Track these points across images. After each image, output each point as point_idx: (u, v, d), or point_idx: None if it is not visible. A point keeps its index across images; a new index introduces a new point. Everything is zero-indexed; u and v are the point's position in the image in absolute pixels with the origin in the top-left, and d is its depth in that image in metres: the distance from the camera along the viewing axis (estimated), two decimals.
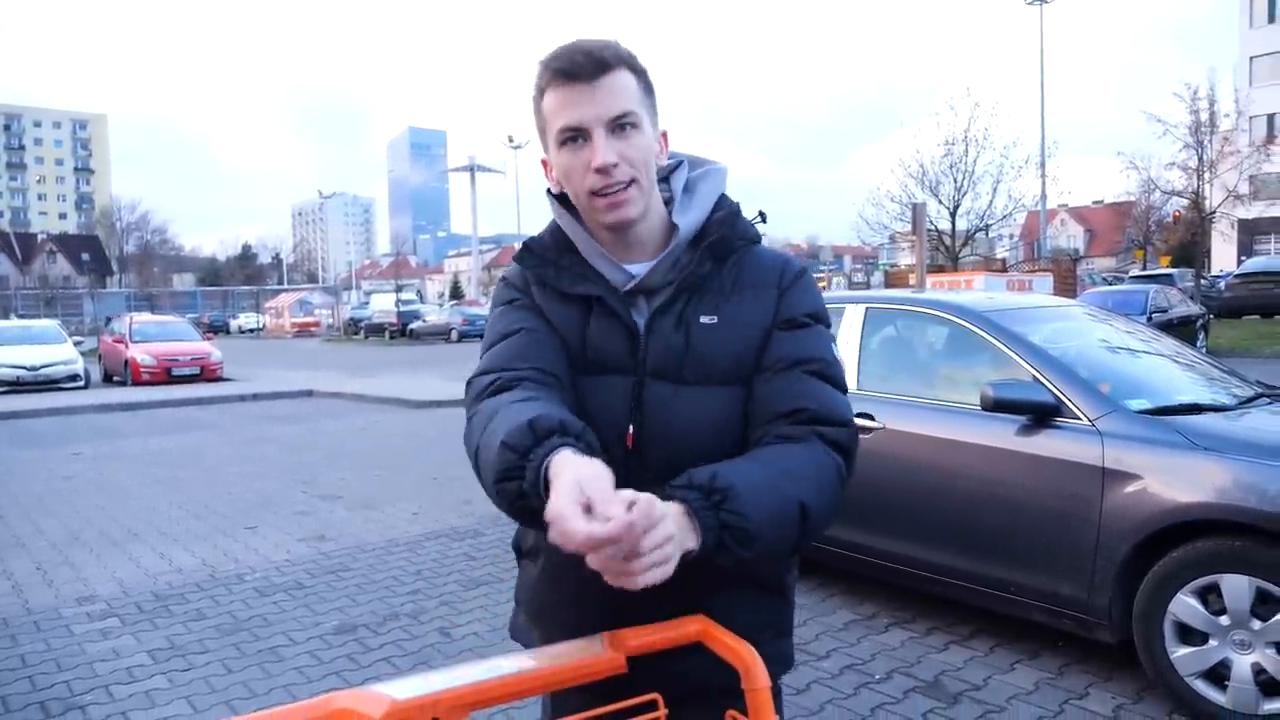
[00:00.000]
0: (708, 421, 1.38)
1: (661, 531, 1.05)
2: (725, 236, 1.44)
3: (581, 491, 1.03)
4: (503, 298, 1.51)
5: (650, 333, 1.39)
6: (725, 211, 1.46)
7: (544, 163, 1.46)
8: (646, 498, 1.04)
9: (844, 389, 1.42)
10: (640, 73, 1.38)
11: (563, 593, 1.43)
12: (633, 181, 1.35)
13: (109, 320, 26.42)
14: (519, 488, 1.15)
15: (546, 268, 1.46)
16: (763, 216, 1.58)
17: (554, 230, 1.50)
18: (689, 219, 1.44)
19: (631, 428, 1.38)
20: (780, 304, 1.43)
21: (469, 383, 1.41)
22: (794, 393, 1.36)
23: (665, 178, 1.49)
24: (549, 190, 1.49)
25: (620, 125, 1.34)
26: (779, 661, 1.44)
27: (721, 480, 1.17)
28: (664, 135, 1.44)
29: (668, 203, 1.48)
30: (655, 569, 1.05)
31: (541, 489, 1.11)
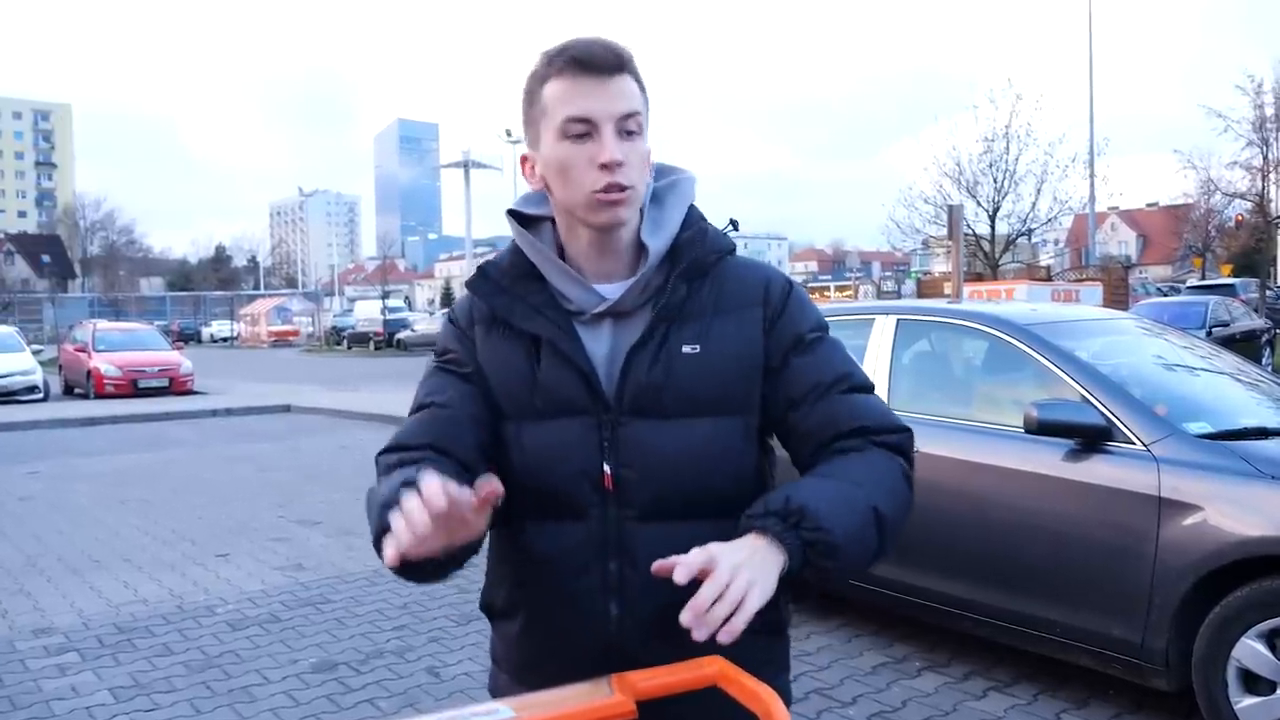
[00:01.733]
0: (695, 454, 1.43)
1: (722, 574, 1.18)
2: (697, 258, 1.47)
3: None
4: (438, 348, 1.57)
5: (628, 369, 1.42)
6: (694, 229, 1.49)
7: (524, 159, 1.49)
8: (705, 552, 1.20)
9: (873, 388, 1.51)
10: (643, 85, 1.44)
11: (552, 645, 1.48)
12: (629, 188, 1.40)
13: (71, 328, 26.52)
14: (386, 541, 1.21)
15: (499, 296, 1.50)
16: (734, 224, 1.62)
17: (514, 253, 1.52)
18: (658, 240, 1.47)
19: (608, 468, 1.42)
20: (777, 327, 1.47)
21: (376, 459, 1.50)
22: (840, 417, 1.44)
23: None
24: (509, 210, 1.54)
25: (627, 128, 1.39)
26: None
27: (795, 501, 1.28)
28: (648, 154, 1.48)
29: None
30: (738, 609, 1.18)
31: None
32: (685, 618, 1.18)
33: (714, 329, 1.44)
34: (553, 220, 1.51)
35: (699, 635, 1.18)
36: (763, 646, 1.48)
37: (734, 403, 1.45)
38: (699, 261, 1.47)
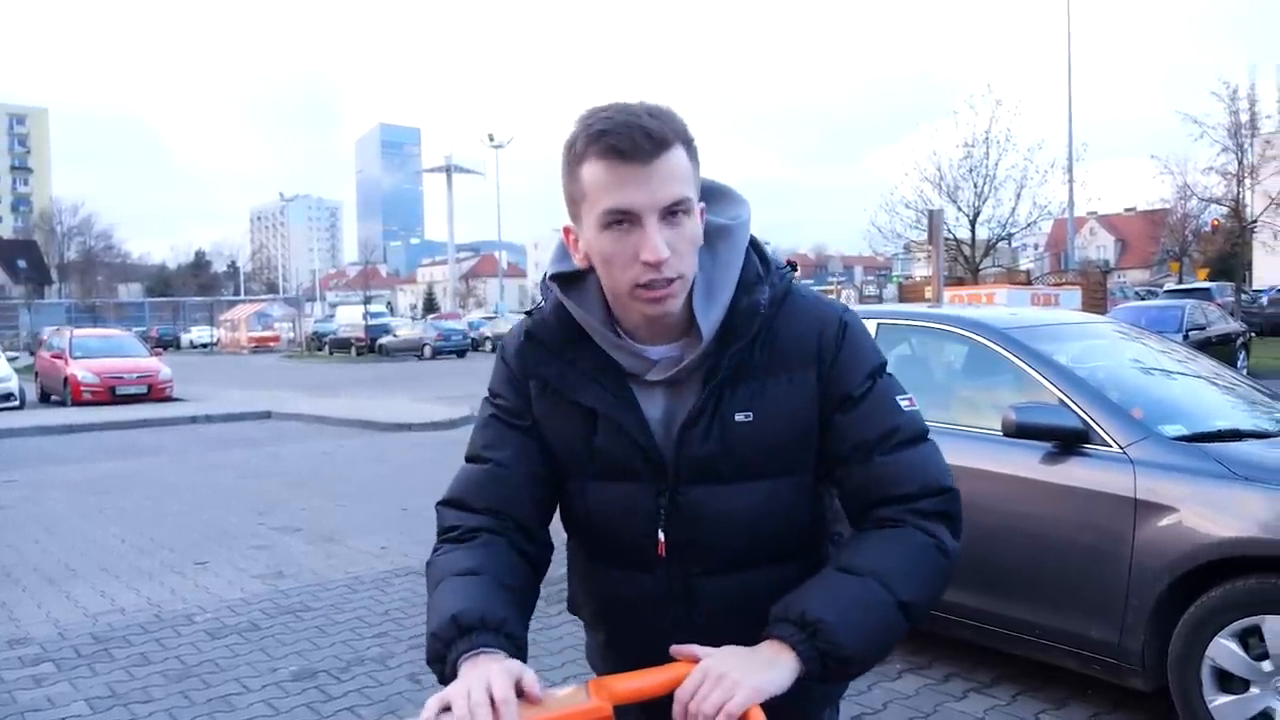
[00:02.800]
0: (750, 517, 1.46)
1: (710, 685, 1.24)
2: (756, 330, 1.42)
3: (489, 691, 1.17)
4: (492, 386, 1.54)
5: (682, 439, 1.43)
6: (752, 298, 1.42)
7: (567, 231, 1.44)
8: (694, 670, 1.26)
9: (925, 433, 1.47)
10: (690, 143, 1.36)
11: (624, 660, 1.50)
12: (680, 277, 1.34)
13: (37, 335, 26.28)
14: (441, 674, 1.29)
15: (551, 365, 1.48)
16: (792, 266, 1.52)
17: (558, 309, 1.47)
18: (710, 316, 1.40)
19: (662, 535, 1.46)
20: (829, 380, 1.43)
21: (438, 507, 1.53)
22: (886, 481, 1.42)
23: None
24: (546, 275, 1.48)
25: (673, 211, 1.32)
26: (833, 707, 1.64)
27: (812, 614, 1.30)
28: (701, 209, 1.40)
29: None
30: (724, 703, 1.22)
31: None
32: (676, 710, 1.24)
33: (767, 391, 1.42)
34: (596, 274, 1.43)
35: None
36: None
37: (790, 463, 1.45)
38: (754, 330, 1.42)
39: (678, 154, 1.32)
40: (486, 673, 1.19)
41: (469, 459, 1.54)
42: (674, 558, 1.47)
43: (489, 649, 1.26)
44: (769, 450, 1.43)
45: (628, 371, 1.44)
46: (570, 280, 1.46)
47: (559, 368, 1.47)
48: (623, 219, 1.31)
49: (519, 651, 1.29)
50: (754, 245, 1.48)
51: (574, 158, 1.34)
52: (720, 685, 1.23)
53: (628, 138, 1.28)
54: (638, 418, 1.44)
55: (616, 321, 1.44)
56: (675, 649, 1.32)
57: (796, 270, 1.52)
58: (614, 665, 1.57)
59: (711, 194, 1.48)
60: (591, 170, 1.31)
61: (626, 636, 1.58)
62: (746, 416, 1.41)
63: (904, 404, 1.46)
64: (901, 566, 1.36)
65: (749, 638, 1.33)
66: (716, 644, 1.33)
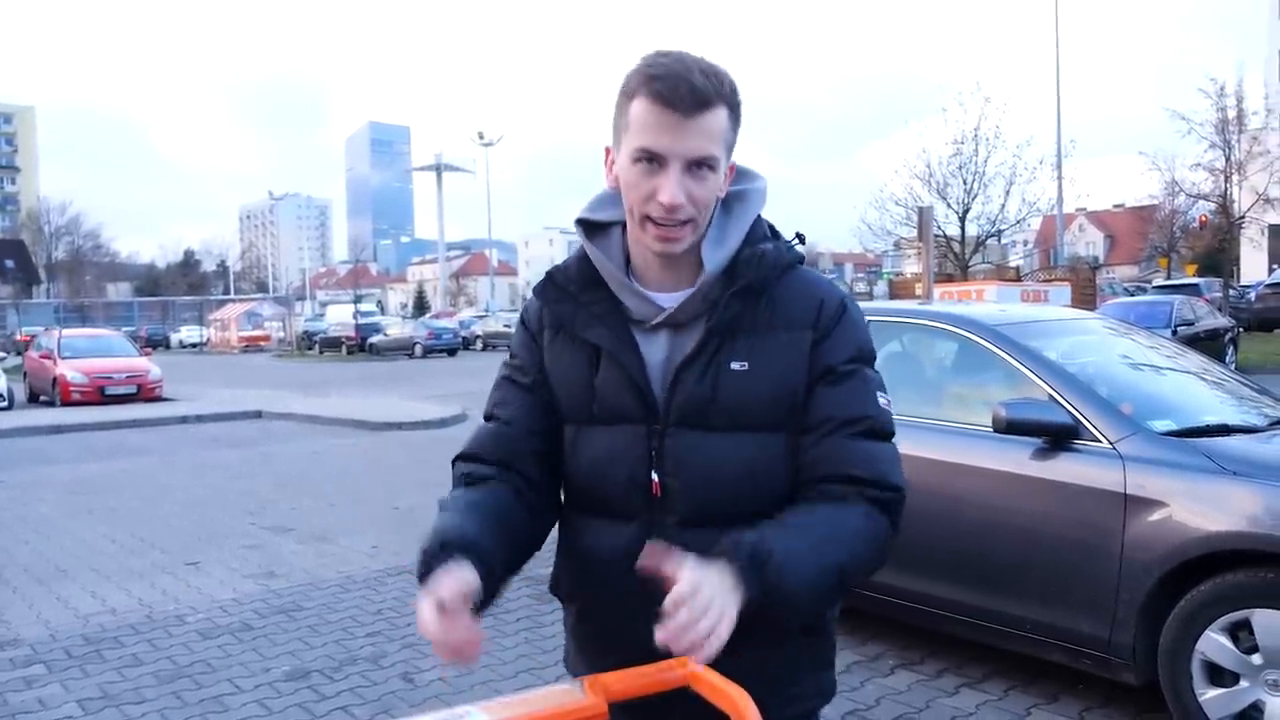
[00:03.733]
0: (737, 467, 1.48)
1: (701, 601, 1.23)
2: (756, 278, 1.49)
3: (438, 598, 1.29)
4: (510, 349, 1.66)
5: (676, 382, 1.48)
6: (755, 248, 1.50)
7: (607, 151, 1.52)
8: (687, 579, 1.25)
9: (891, 434, 1.52)
10: (735, 107, 1.45)
11: (603, 633, 1.59)
12: (690, 221, 1.43)
13: (14, 334, 26.13)
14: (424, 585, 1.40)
15: (565, 304, 1.57)
16: (800, 238, 1.60)
17: (581, 259, 1.58)
18: (716, 257, 1.49)
19: (655, 476, 1.49)
20: (818, 349, 1.48)
21: (454, 461, 1.64)
22: (841, 459, 1.46)
23: None
24: (577, 219, 1.58)
25: (698, 165, 1.41)
26: (817, 694, 1.60)
27: (764, 545, 1.32)
28: (731, 167, 1.51)
29: None
30: (711, 636, 1.23)
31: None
32: (660, 636, 1.23)
33: (765, 346, 1.48)
34: (623, 226, 1.54)
35: (677, 651, 1.24)
36: (806, 644, 1.57)
37: (778, 419, 1.48)
38: (757, 281, 1.48)
39: (718, 114, 1.41)
40: (436, 583, 1.31)
41: (485, 417, 1.66)
42: (657, 505, 1.49)
43: (459, 561, 1.35)
44: (759, 402, 1.46)
45: (635, 318, 1.52)
46: (597, 229, 1.57)
47: (571, 308, 1.56)
48: (651, 158, 1.41)
49: (489, 573, 1.39)
50: (768, 223, 1.58)
51: (628, 91, 1.44)
52: (709, 614, 1.24)
53: (674, 88, 1.38)
54: (637, 358, 1.50)
55: (633, 271, 1.54)
56: (650, 562, 1.29)
57: (804, 242, 1.60)
58: (583, 640, 1.63)
59: (736, 176, 1.57)
60: (638, 107, 1.41)
61: (597, 601, 1.58)
62: (742, 365, 1.46)
63: (881, 400, 1.51)
64: (846, 536, 1.41)
65: None
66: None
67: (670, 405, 1.48)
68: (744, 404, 1.46)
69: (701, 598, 1.24)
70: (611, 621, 1.55)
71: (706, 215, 1.46)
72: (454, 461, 1.65)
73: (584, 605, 1.62)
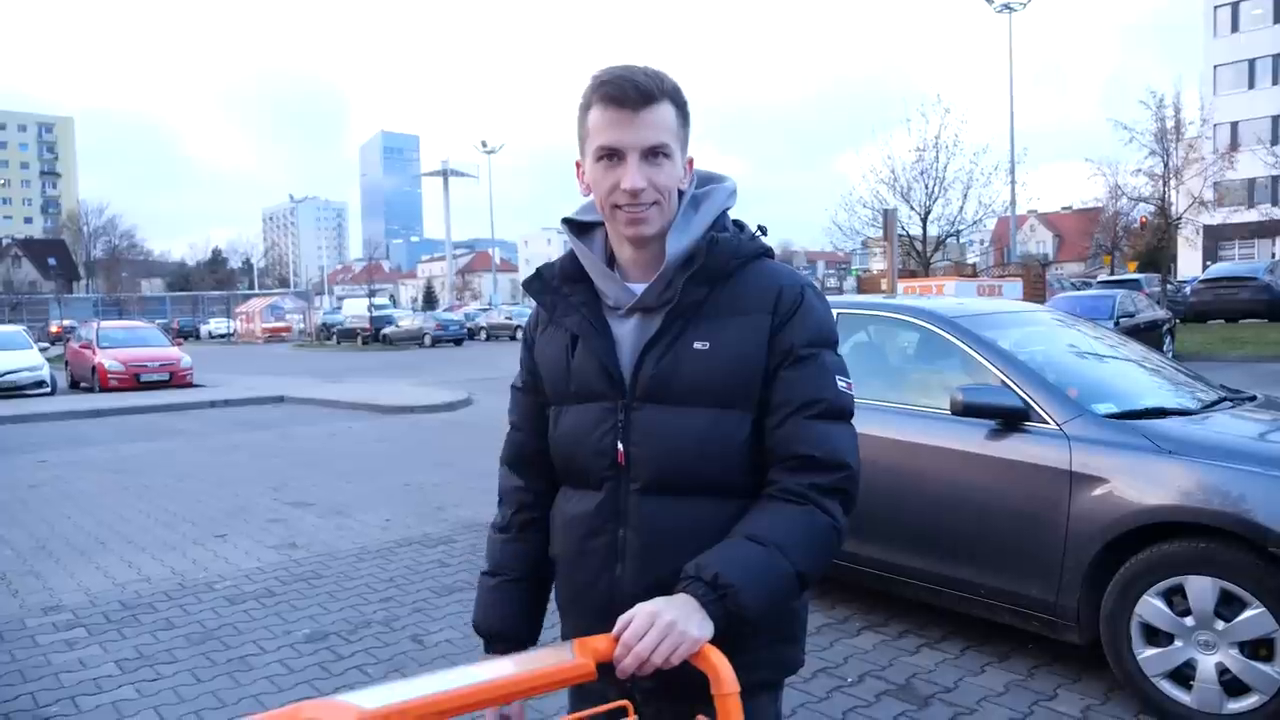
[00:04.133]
0: (694, 439, 1.47)
1: (653, 635, 1.28)
2: (711, 263, 1.49)
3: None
4: (521, 351, 1.72)
5: (642, 359, 1.49)
6: (713, 236, 1.51)
7: (577, 164, 1.56)
8: (633, 623, 1.30)
9: (849, 415, 1.51)
10: (681, 105, 1.49)
11: (574, 593, 1.61)
12: (655, 203, 1.47)
13: (64, 329, 26.01)
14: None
15: (548, 295, 1.61)
16: (762, 230, 1.61)
17: (568, 257, 1.61)
18: (678, 243, 1.50)
19: (620, 446, 1.51)
20: (779, 335, 1.47)
21: (500, 463, 1.76)
22: (797, 440, 1.46)
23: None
24: (564, 219, 1.62)
25: (654, 153, 1.45)
26: (776, 666, 1.56)
27: (724, 579, 1.34)
28: (690, 162, 1.54)
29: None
30: (652, 656, 1.28)
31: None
32: (618, 654, 1.28)
33: (727, 329, 1.48)
34: (605, 228, 1.58)
35: (625, 672, 1.29)
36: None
37: (735, 397, 1.47)
38: (713, 266, 1.49)
39: (664, 108, 1.45)
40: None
41: (510, 409, 1.75)
42: (623, 474, 1.51)
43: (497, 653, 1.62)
44: (717, 379, 1.46)
45: (611, 306, 1.55)
46: (584, 230, 1.60)
47: (554, 299, 1.60)
48: (611, 154, 1.45)
49: (521, 643, 1.65)
50: (733, 219, 1.59)
51: (584, 104, 1.48)
52: (669, 635, 1.27)
53: (621, 88, 1.43)
54: (607, 341, 1.53)
55: (615, 267, 1.57)
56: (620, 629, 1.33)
57: (767, 234, 1.63)
58: (562, 601, 1.66)
59: (705, 179, 1.60)
60: (594, 114, 1.46)
61: (570, 566, 1.60)
62: (704, 345, 1.47)
63: (841, 384, 1.50)
64: (801, 541, 1.41)
65: (669, 570, 1.40)
66: (642, 572, 1.46)
67: (636, 382, 1.50)
68: (703, 380, 1.47)
69: (642, 623, 1.28)
70: (580, 580, 1.58)
71: (670, 200, 1.49)
72: (501, 463, 1.76)
73: (561, 566, 1.64)
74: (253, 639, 4.63)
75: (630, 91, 1.42)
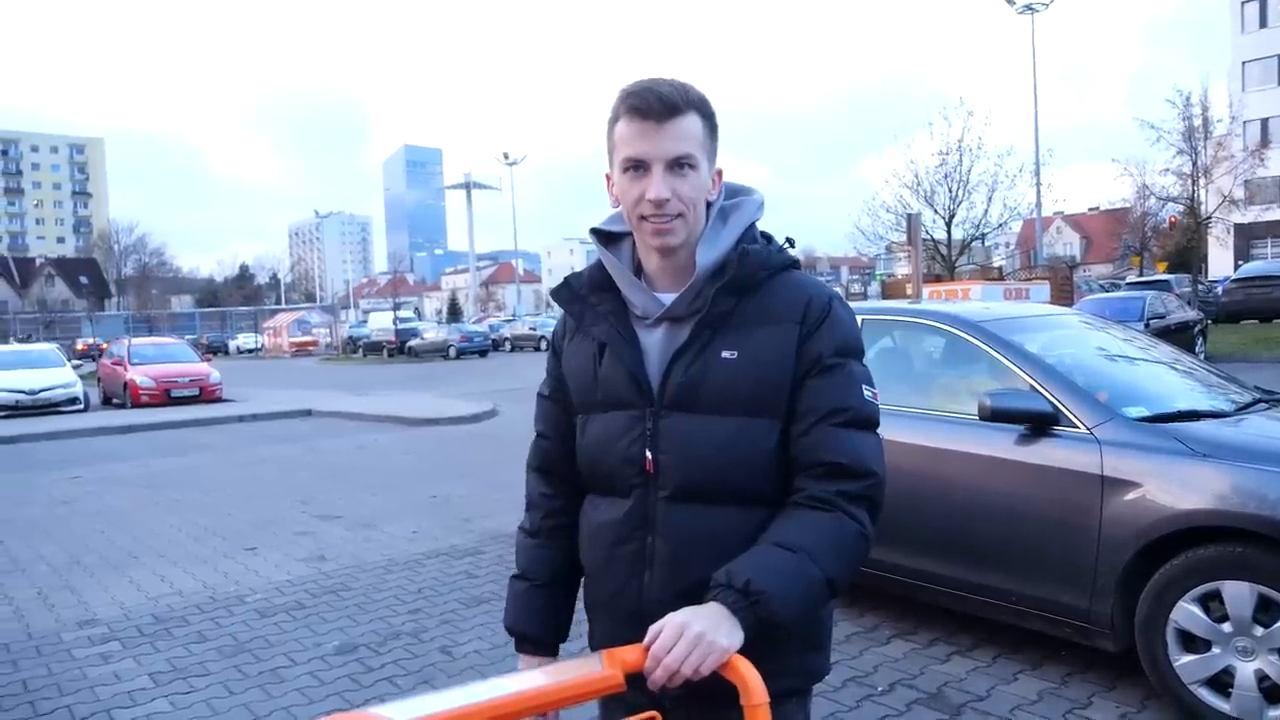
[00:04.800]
0: (720, 447, 1.48)
1: (682, 646, 1.28)
2: (741, 274, 1.50)
3: None
4: (548, 359, 1.74)
5: (671, 368, 1.50)
6: (744, 248, 1.52)
7: (607, 177, 1.57)
8: (663, 634, 1.30)
9: (875, 424, 1.52)
10: (708, 116, 1.50)
11: (602, 600, 1.62)
12: (680, 215, 1.47)
13: (89, 346, 26.36)
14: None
15: (576, 304, 1.63)
16: (790, 243, 1.63)
17: (596, 267, 1.62)
18: (709, 255, 1.52)
19: (649, 454, 1.50)
20: (805, 344, 1.48)
21: (527, 468, 1.78)
22: (824, 448, 1.46)
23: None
24: (592, 229, 1.63)
25: (679, 164, 1.45)
26: (802, 674, 1.56)
27: (756, 585, 1.35)
28: (719, 173, 1.55)
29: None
30: (682, 668, 1.28)
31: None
32: (648, 667, 1.29)
33: (754, 338, 1.49)
34: (634, 239, 1.58)
35: (655, 684, 1.30)
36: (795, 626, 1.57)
37: (763, 405, 1.48)
38: (742, 277, 1.50)
39: (690, 119, 1.46)
40: None
41: (536, 414, 1.77)
42: (651, 481, 1.51)
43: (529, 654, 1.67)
44: (745, 388, 1.47)
45: (639, 314, 1.56)
46: (611, 240, 1.62)
47: (582, 308, 1.61)
48: (637, 165, 1.46)
49: (549, 645, 1.69)
50: (762, 231, 1.61)
51: (612, 118, 1.50)
52: (698, 646, 1.27)
53: (645, 100, 1.44)
54: (635, 350, 1.54)
55: (642, 276, 1.58)
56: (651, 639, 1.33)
57: (794, 245, 1.64)
58: (591, 609, 1.66)
59: (734, 191, 1.61)
60: (620, 126, 1.48)
61: (598, 570, 1.61)
62: (731, 354, 1.48)
63: (867, 393, 1.51)
64: (830, 547, 1.42)
65: (697, 578, 1.41)
66: (670, 580, 1.47)
67: (664, 390, 1.50)
68: (731, 388, 1.47)
69: (670, 635, 1.29)
70: (608, 588, 1.58)
71: (696, 211, 1.49)
72: (527, 471, 1.78)
73: (590, 573, 1.65)
74: (284, 651, 4.66)
75: (654, 103, 1.43)
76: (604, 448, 1.56)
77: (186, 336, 42.41)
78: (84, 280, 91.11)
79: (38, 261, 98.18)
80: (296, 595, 5.63)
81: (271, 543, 7.02)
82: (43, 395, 19.39)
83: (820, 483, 1.45)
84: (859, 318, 4.90)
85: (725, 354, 1.48)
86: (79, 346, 45.68)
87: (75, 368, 23.86)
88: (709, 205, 1.55)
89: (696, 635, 1.28)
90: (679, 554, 1.49)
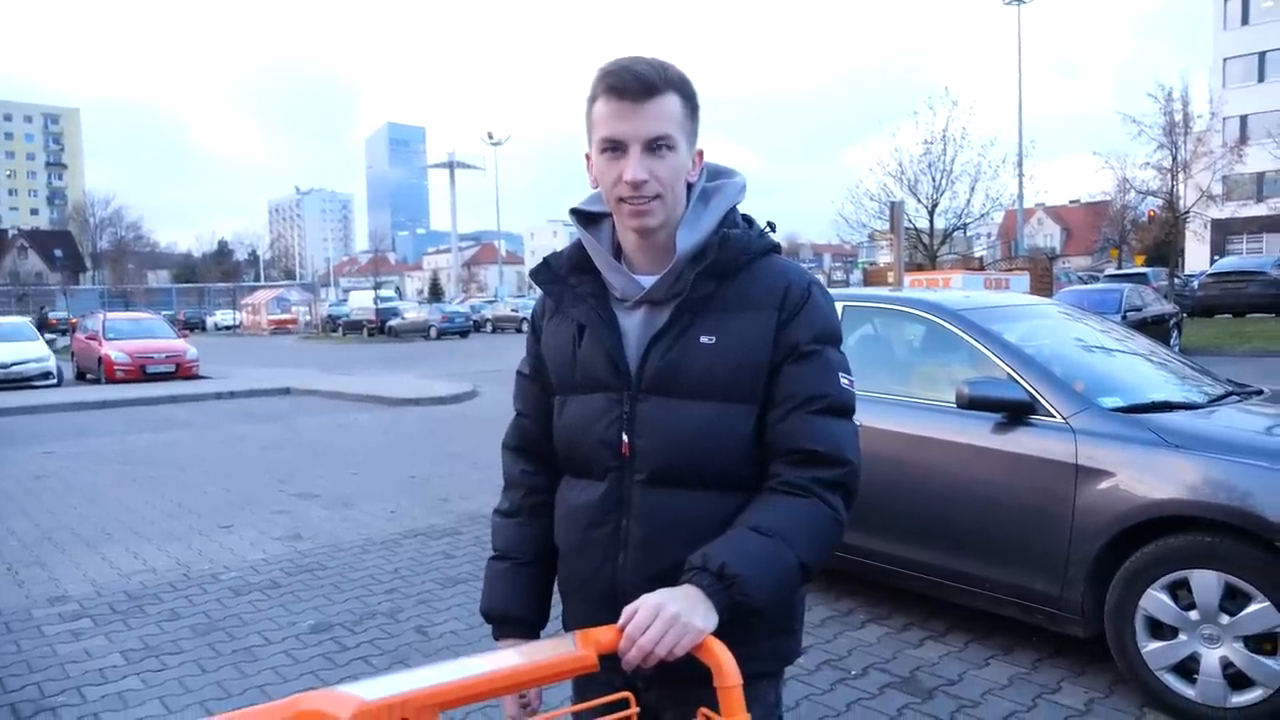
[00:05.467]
0: (699, 431, 1.48)
1: (657, 627, 1.28)
2: (722, 258, 1.49)
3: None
4: (527, 339, 1.72)
5: (649, 351, 1.49)
6: (724, 232, 1.51)
7: (587, 157, 1.54)
8: (637, 615, 1.30)
9: (851, 411, 1.51)
10: (689, 96, 1.48)
11: (577, 582, 1.61)
12: (658, 196, 1.46)
13: (79, 320, 26.06)
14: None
15: (555, 285, 1.61)
16: (771, 227, 1.61)
17: (576, 247, 1.61)
18: (689, 238, 1.51)
19: (626, 437, 1.50)
20: (784, 330, 1.48)
21: (502, 450, 1.77)
22: (800, 434, 1.46)
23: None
24: (572, 209, 1.62)
25: (656, 145, 1.44)
26: (773, 657, 1.58)
27: (731, 569, 1.35)
28: (699, 154, 1.54)
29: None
30: (656, 649, 1.28)
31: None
32: (623, 647, 1.29)
33: (733, 323, 1.48)
34: (614, 219, 1.56)
35: (629, 665, 1.29)
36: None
37: (740, 390, 1.48)
38: (723, 261, 1.49)
39: (668, 100, 1.44)
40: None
41: (514, 393, 1.76)
42: (627, 465, 1.51)
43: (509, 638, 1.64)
44: (723, 372, 1.47)
45: (618, 297, 1.55)
46: (591, 221, 1.60)
47: (561, 289, 1.60)
48: (615, 146, 1.45)
49: (533, 626, 1.66)
50: (743, 214, 1.60)
51: (590, 96, 1.48)
52: (673, 628, 1.27)
53: (622, 80, 1.43)
54: (614, 332, 1.53)
55: (622, 258, 1.57)
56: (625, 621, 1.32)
57: (776, 230, 1.62)
58: (564, 589, 1.66)
59: (717, 174, 1.60)
60: (598, 106, 1.46)
61: (572, 554, 1.61)
62: (710, 339, 1.48)
63: (844, 381, 1.51)
64: (805, 533, 1.43)
65: (671, 562, 1.42)
66: (645, 562, 1.47)
67: (642, 373, 1.50)
68: (709, 373, 1.47)
69: (645, 616, 1.29)
70: (583, 570, 1.58)
71: (674, 193, 1.48)
72: (502, 449, 1.77)
73: (564, 555, 1.64)
74: (258, 630, 4.65)
75: (631, 83, 1.42)
76: (581, 430, 1.55)
77: (163, 312, 41.99)
78: (59, 254, 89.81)
79: (10, 233, 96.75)
80: (272, 574, 5.61)
81: (248, 521, 6.99)
82: (15, 369, 19.16)
83: (796, 469, 1.45)
84: (840, 304, 4.95)
85: (704, 339, 1.47)
86: (50, 320, 45.04)
87: (49, 342, 23.58)
88: (690, 187, 1.54)
89: (672, 616, 1.28)
90: (653, 538, 1.49)
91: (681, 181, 1.49)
